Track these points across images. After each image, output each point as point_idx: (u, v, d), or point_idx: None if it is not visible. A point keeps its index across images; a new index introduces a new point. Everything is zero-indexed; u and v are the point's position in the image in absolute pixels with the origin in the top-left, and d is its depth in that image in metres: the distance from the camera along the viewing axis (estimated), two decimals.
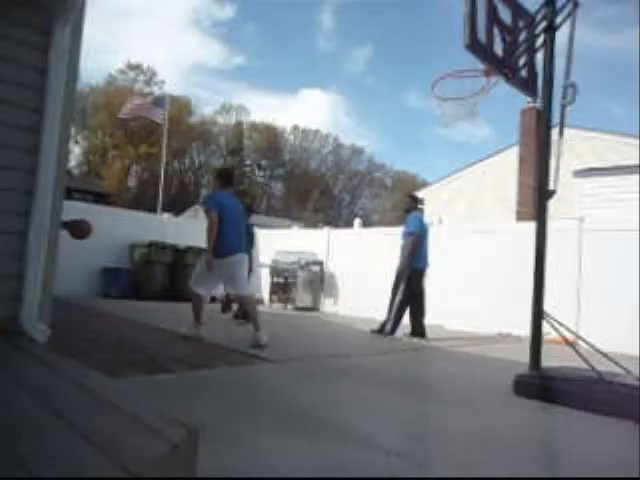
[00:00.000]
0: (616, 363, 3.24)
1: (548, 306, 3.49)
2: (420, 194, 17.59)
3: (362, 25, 59.42)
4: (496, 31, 3.56)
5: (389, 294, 6.25)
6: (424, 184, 23.01)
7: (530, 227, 4.08)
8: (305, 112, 59.93)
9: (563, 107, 3.56)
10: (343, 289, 9.90)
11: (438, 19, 53.52)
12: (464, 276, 7.98)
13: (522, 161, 12.01)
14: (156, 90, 36.59)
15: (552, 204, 3.60)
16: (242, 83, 65.64)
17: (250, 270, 5.71)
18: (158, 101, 13.57)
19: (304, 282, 9.92)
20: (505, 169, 14.42)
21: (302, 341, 5.63)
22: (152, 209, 15.02)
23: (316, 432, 2.30)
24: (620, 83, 55.52)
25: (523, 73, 3.82)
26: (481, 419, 2.78)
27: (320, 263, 10.15)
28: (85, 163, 38.52)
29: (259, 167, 45.07)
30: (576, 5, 3.54)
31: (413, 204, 6.50)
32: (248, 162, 44.31)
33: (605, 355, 3.28)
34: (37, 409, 1.57)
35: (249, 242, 6.06)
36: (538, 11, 3.68)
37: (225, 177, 5.07)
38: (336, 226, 15.84)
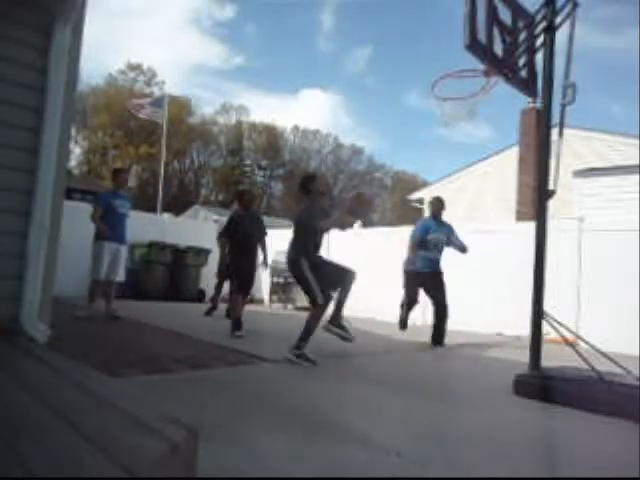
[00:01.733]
0: (616, 363, 3.24)
1: (548, 306, 3.49)
2: (420, 194, 17.66)
3: (362, 25, 59.35)
4: (496, 31, 3.55)
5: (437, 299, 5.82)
6: (424, 184, 22.99)
7: (530, 227, 4.08)
8: (305, 112, 59.93)
9: (563, 107, 3.56)
10: None
11: (438, 19, 53.51)
12: (464, 276, 7.97)
13: (522, 161, 12.01)
14: (156, 90, 36.61)
15: (552, 204, 3.60)
16: (242, 83, 65.68)
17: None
18: (157, 102, 13.59)
19: None
20: (505, 169, 14.40)
21: None
22: (152, 209, 15.03)
23: (316, 432, 2.30)
24: (620, 83, 55.55)
25: (523, 73, 3.81)
26: (481, 419, 2.78)
27: None
28: (85, 163, 38.50)
29: (259, 167, 45.05)
30: (575, 5, 3.54)
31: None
32: (248, 162, 44.28)
33: (605, 355, 3.28)
34: (37, 409, 1.57)
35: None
36: (538, 11, 3.68)
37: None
38: None
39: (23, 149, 3.04)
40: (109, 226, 5.74)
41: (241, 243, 5.76)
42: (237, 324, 5.37)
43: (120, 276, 5.94)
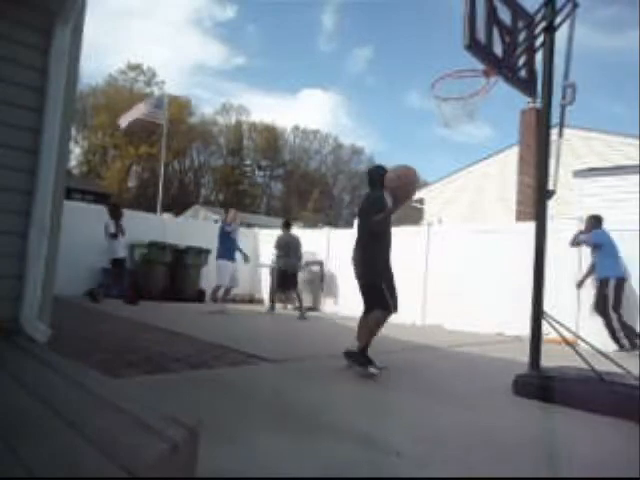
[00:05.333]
0: (616, 363, 3.24)
1: (548, 306, 3.49)
2: (420, 194, 17.66)
3: (362, 25, 59.50)
4: (496, 31, 3.55)
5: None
6: (424, 184, 22.97)
7: (530, 227, 4.08)
8: (305, 112, 60.04)
9: (563, 107, 3.56)
10: (343, 289, 9.89)
11: (438, 19, 53.56)
12: (464, 276, 7.98)
13: (522, 161, 12.02)
14: (156, 90, 36.64)
15: (552, 204, 3.61)
16: (242, 83, 65.70)
17: None
18: (156, 102, 13.52)
19: (304, 282, 9.91)
20: (505, 169, 14.42)
21: (302, 341, 5.63)
22: (152, 209, 15.03)
23: (316, 432, 2.30)
24: (620, 83, 55.56)
25: (522, 73, 3.81)
26: (481, 419, 2.78)
27: (320, 263, 10.13)
28: (85, 163, 38.52)
29: (259, 167, 45.07)
30: (575, 5, 3.54)
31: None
32: (248, 162, 44.31)
33: (605, 355, 3.28)
34: (37, 409, 1.57)
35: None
36: (538, 11, 3.68)
37: None
38: (336, 226, 15.84)
39: (23, 149, 3.04)
40: (227, 248, 7.88)
41: (387, 244, 4.26)
42: (367, 357, 3.77)
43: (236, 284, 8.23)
